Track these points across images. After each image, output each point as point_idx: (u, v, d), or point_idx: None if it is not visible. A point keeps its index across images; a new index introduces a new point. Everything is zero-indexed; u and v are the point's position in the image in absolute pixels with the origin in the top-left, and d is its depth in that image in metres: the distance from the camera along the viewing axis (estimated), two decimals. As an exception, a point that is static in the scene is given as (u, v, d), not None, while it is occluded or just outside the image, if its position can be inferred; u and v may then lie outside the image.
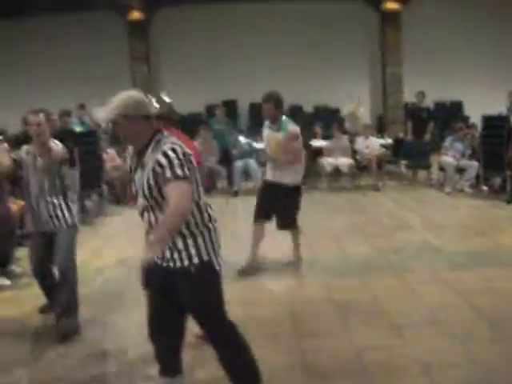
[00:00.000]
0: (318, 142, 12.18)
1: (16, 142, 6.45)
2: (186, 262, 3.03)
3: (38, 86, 14.80)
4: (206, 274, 3.08)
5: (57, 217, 4.64)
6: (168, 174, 2.88)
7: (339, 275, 6.02)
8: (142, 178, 3.01)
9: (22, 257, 6.54)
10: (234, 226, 7.98)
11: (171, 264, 3.07)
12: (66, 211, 4.69)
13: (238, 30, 15.77)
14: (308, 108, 16.26)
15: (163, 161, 2.90)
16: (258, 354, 3.34)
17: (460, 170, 10.90)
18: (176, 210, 2.87)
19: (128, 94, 3.05)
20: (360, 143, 11.76)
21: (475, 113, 12.16)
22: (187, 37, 15.75)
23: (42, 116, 4.43)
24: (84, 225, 7.75)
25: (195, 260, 3.04)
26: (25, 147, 4.77)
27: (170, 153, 2.90)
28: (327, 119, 14.35)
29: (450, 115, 15.69)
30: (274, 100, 5.92)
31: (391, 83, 16.12)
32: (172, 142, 3.00)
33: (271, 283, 5.84)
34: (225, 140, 11.99)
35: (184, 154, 2.95)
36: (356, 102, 12.68)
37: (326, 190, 11.22)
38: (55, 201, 4.64)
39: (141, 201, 3.06)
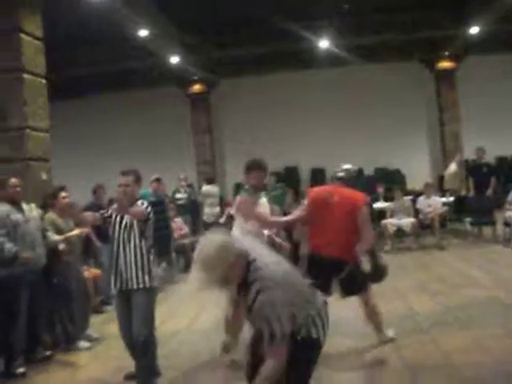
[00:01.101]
0: (380, 204, 12.30)
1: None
2: None
3: (109, 161, 15.48)
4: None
5: (137, 277, 4.75)
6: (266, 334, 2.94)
7: (408, 333, 6.06)
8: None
9: (98, 322, 6.88)
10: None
11: None
12: (146, 272, 4.81)
13: (295, 99, 16.24)
14: (369, 171, 16.39)
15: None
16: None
17: (526, 225, 10.77)
18: (270, 371, 2.98)
19: (209, 252, 2.97)
20: (422, 202, 11.80)
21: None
22: (246, 108, 16.34)
23: (130, 177, 4.78)
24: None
25: None
26: (114, 206, 5.02)
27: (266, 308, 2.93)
28: (388, 181, 14.45)
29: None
30: (266, 168, 5.52)
31: (450, 141, 16.18)
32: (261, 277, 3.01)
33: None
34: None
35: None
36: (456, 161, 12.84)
37: (390, 251, 11.24)
38: (139, 260, 4.77)
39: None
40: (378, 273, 5.66)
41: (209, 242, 2.99)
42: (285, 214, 11.84)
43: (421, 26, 14.22)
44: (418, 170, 16.18)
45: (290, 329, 2.97)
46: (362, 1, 13.18)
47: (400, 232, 11.46)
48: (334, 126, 16.13)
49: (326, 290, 4.83)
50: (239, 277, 3.01)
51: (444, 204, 12.17)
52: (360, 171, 16.33)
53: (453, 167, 12.90)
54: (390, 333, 5.70)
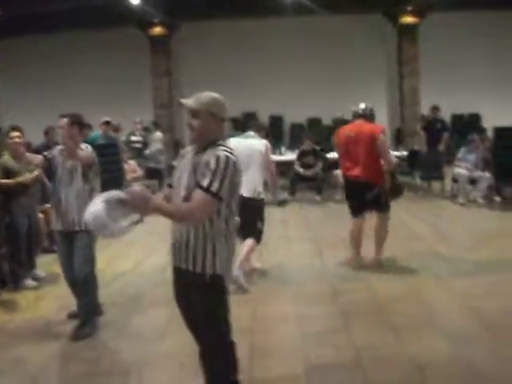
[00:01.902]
0: (334, 154, 12.40)
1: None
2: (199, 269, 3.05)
3: (63, 99, 15.21)
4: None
5: (78, 219, 4.74)
6: (205, 182, 2.90)
7: (346, 280, 6.29)
8: (183, 178, 3.05)
9: (46, 262, 6.95)
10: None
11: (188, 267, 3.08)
12: None
13: (255, 45, 16.10)
14: (327, 121, 16.45)
15: (212, 165, 2.91)
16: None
17: (473, 181, 11.07)
18: (187, 214, 2.93)
19: (215, 96, 3.14)
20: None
21: (492, 125, 12.29)
22: (207, 54, 16.15)
23: (65, 120, 4.79)
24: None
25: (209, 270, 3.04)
26: (58, 147, 5.09)
27: (222, 158, 2.92)
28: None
29: (467, 127, 15.80)
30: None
31: (408, 96, 16.33)
32: (229, 147, 3.04)
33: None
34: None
35: (234, 164, 2.97)
36: None
37: (341, 200, 11.40)
38: (81, 203, 4.73)
39: (177, 201, 3.08)
40: (397, 190, 6.72)
41: None
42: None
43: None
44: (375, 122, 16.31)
45: (226, 199, 2.96)
46: None
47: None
48: (294, 75, 16.03)
49: (360, 211, 6.71)
50: (212, 140, 3.05)
51: (397, 158, 12.34)
52: (318, 121, 16.47)
53: None
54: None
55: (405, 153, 13.08)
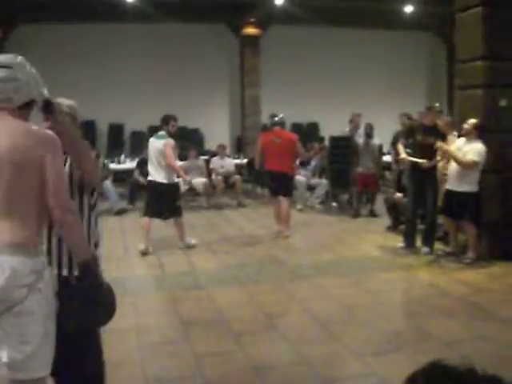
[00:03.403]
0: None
1: None
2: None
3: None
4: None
5: None
6: None
7: (186, 289, 6.18)
8: None
9: None
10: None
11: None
12: None
13: (97, 52, 15.56)
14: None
15: None
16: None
17: (311, 188, 11.46)
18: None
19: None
20: (216, 163, 12.02)
21: (329, 134, 12.75)
22: (43, 58, 15.38)
23: None
24: None
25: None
26: None
27: None
28: (188, 140, 14.46)
29: (307, 136, 16.32)
30: None
31: (250, 105, 16.62)
32: None
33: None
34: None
35: None
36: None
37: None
38: None
39: None
40: None
41: None
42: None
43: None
44: (217, 131, 16.45)
45: None
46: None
47: (192, 191, 11.42)
48: (136, 82, 15.74)
49: (276, 193, 8.83)
50: None
51: (237, 166, 12.52)
52: (158, 129, 16.21)
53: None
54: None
55: (245, 161, 13.26)
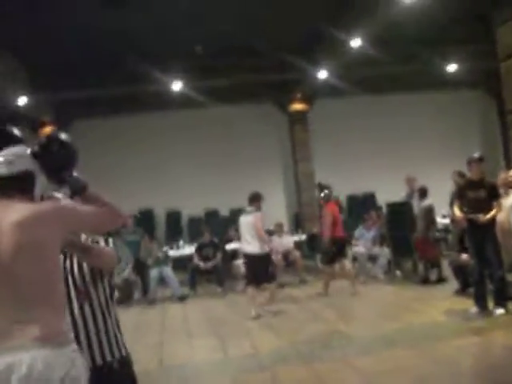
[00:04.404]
0: (233, 245, 12.26)
1: None
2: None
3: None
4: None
5: None
6: None
7: (249, 371, 5.96)
8: None
9: None
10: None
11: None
12: None
13: (150, 141, 15.88)
14: (224, 212, 16.33)
15: None
16: None
17: (372, 258, 11.15)
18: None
19: None
20: (274, 242, 11.89)
21: (386, 201, 12.52)
22: (99, 150, 15.87)
23: None
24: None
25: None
26: None
27: None
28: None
29: (363, 206, 16.09)
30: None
31: (304, 180, 16.56)
32: None
33: None
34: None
35: None
36: None
37: (242, 291, 11.10)
38: None
39: None
40: None
41: None
42: (137, 261, 11.42)
43: (274, 69, 14.70)
44: (273, 209, 16.36)
45: None
46: (215, 44, 13.30)
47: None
48: (189, 167, 15.99)
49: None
50: None
51: (296, 242, 12.36)
52: (215, 212, 16.30)
53: None
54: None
55: (304, 236, 13.10)
